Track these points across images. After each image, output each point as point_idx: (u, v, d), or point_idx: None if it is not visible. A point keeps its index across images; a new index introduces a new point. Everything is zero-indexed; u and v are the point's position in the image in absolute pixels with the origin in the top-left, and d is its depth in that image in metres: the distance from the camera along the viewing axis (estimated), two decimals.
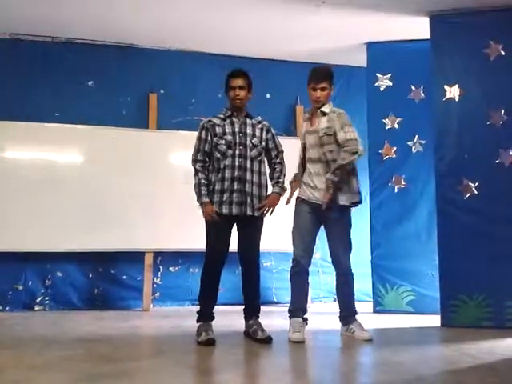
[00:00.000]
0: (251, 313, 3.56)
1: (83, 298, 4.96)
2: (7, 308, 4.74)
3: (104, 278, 5.03)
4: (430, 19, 4.43)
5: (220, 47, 5.38)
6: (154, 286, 5.13)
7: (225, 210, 3.45)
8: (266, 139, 3.62)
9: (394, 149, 4.93)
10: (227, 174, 3.47)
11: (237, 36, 5.14)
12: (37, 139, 4.89)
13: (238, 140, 3.50)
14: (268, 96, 5.61)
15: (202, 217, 3.50)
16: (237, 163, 3.47)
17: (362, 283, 4.62)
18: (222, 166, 3.48)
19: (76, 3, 4.44)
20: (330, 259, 5.32)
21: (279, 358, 3.11)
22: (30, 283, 4.85)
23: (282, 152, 3.71)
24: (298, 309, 3.58)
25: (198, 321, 3.48)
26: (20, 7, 4.49)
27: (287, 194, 3.76)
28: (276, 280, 5.40)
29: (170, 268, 5.23)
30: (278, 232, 4.59)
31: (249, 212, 3.48)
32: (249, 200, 3.47)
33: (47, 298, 4.87)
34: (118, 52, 5.30)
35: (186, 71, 5.45)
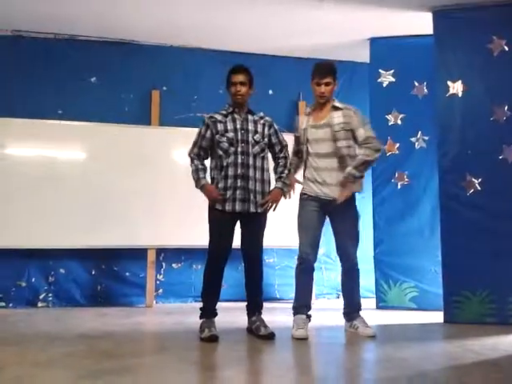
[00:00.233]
0: (254, 309, 3.56)
1: (86, 294, 4.96)
2: (10, 305, 4.75)
3: (107, 274, 5.04)
4: (433, 14, 4.41)
5: (222, 43, 5.37)
6: (157, 282, 5.13)
7: (228, 207, 3.45)
8: (269, 134, 3.61)
9: (397, 145, 4.91)
10: (230, 171, 3.46)
11: (239, 32, 5.12)
12: (39, 136, 4.89)
13: (240, 137, 3.49)
14: (270, 92, 5.59)
15: (206, 199, 3.49)
16: (239, 160, 3.46)
17: (365, 279, 4.59)
18: (224, 164, 3.48)
19: (78, 0, 4.43)
20: (333, 255, 5.41)
21: (282, 355, 3.11)
22: (33, 280, 4.86)
23: (286, 146, 3.68)
24: (302, 305, 3.57)
25: (200, 317, 3.49)
26: (22, 4, 4.49)
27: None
28: (279, 276, 5.40)
29: (173, 265, 5.23)
30: (280, 229, 4.58)
31: (252, 209, 3.47)
32: (252, 197, 3.47)
33: (50, 295, 4.88)
34: (120, 49, 5.29)
35: (189, 68, 5.44)
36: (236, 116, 3.55)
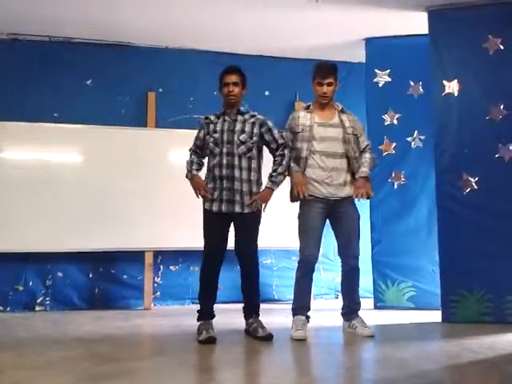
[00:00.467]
0: (251, 311, 3.55)
1: (84, 297, 4.95)
2: (8, 309, 4.74)
3: (104, 277, 5.02)
4: (428, 14, 4.41)
5: (218, 45, 5.36)
6: (155, 285, 5.12)
7: (215, 208, 3.47)
8: (260, 133, 3.55)
9: (394, 145, 4.91)
10: (216, 172, 3.48)
11: (235, 33, 5.11)
12: (36, 139, 4.87)
13: (225, 138, 3.49)
14: (267, 93, 5.58)
15: (194, 193, 3.54)
16: (224, 161, 3.46)
17: (363, 280, 4.53)
18: (211, 165, 3.51)
19: (74, 3, 4.42)
20: (331, 256, 5.41)
21: (280, 356, 3.11)
22: (30, 283, 4.84)
23: (284, 144, 3.56)
24: (301, 307, 3.57)
25: (198, 319, 3.48)
26: (17, 7, 4.47)
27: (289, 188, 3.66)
28: (276, 277, 5.38)
29: (171, 267, 5.22)
30: (277, 229, 4.58)
31: (237, 209, 3.46)
32: (238, 197, 3.46)
33: (48, 299, 4.86)
34: (116, 51, 5.28)
35: (185, 69, 5.43)
36: (226, 117, 3.55)
